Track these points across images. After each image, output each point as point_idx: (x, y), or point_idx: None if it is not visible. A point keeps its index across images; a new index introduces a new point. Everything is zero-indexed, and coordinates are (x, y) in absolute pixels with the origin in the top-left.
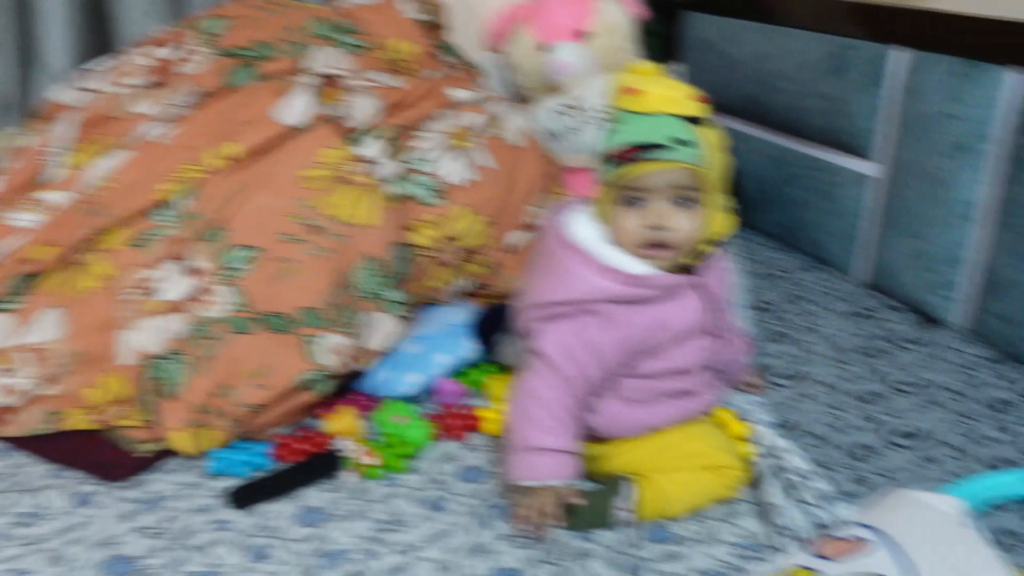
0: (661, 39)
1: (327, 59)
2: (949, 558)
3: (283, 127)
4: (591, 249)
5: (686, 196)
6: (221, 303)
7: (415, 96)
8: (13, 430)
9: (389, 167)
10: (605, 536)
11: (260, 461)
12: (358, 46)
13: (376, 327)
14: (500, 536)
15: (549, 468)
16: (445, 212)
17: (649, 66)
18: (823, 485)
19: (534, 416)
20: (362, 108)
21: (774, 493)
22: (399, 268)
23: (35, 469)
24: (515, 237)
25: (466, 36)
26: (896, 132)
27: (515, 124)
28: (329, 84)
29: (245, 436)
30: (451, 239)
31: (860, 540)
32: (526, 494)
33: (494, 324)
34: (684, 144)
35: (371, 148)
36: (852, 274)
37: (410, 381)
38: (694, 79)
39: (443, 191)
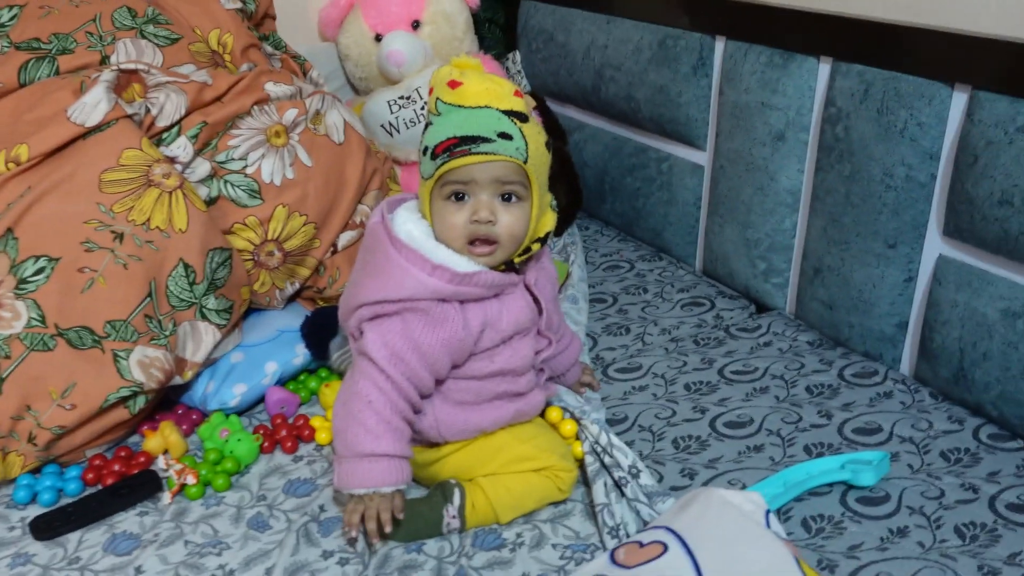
0: (500, 28)
1: (134, 53)
2: (740, 561)
3: (81, 127)
4: (418, 246)
5: (510, 191)
6: (17, 319)
7: (229, 91)
8: None
9: (200, 167)
10: (433, 545)
11: (71, 486)
12: (170, 38)
13: (195, 338)
14: (324, 553)
15: (380, 474)
16: (263, 213)
17: (470, 60)
18: (648, 481)
19: (363, 420)
20: (169, 105)
21: (602, 492)
22: (218, 274)
23: None
24: (346, 237)
25: (295, 26)
26: (721, 122)
27: (337, 119)
28: (134, 80)
29: (58, 460)
30: (273, 241)
31: (658, 544)
32: (357, 502)
33: (327, 328)
34: (507, 138)
35: (179, 148)
36: (692, 263)
37: (237, 392)
38: (532, 68)
39: (260, 191)
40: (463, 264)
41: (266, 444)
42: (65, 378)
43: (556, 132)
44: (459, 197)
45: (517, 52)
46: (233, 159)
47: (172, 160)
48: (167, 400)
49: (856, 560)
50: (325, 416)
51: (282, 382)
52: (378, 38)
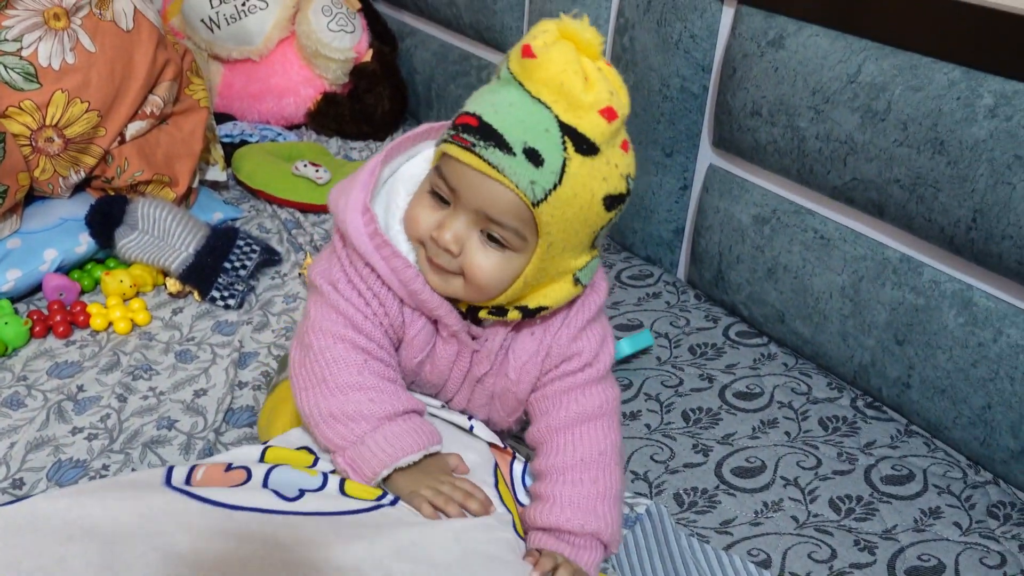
0: None
1: None
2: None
3: None
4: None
5: (496, 234)
6: None
7: None
8: None
9: None
10: (186, 421)
11: None
12: None
13: None
14: (74, 429)
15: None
16: (41, 98)
17: (586, 28)
18: None
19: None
20: None
21: None
22: None
23: None
24: (135, 127)
25: None
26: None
27: (127, 6)
28: None
29: None
30: (52, 127)
31: None
32: (414, 480)
33: (112, 217)
34: (534, 160)
35: None
36: None
37: (11, 278)
38: None
39: (36, 75)
40: (406, 249)
41: (38, 329)
42: None
43: (385, 38)
44: (440, 197)
45: None
46: (7, 40)
47: None
48: None
49: None
50: (105, 304)
51: (65, 270)
52: None
